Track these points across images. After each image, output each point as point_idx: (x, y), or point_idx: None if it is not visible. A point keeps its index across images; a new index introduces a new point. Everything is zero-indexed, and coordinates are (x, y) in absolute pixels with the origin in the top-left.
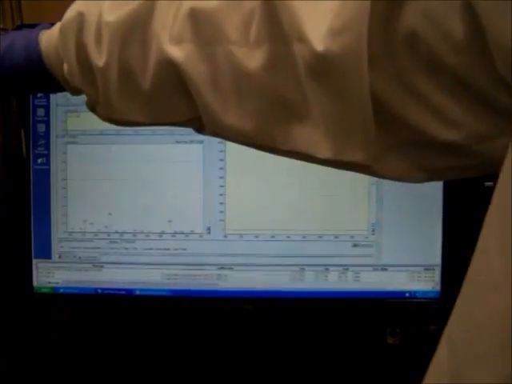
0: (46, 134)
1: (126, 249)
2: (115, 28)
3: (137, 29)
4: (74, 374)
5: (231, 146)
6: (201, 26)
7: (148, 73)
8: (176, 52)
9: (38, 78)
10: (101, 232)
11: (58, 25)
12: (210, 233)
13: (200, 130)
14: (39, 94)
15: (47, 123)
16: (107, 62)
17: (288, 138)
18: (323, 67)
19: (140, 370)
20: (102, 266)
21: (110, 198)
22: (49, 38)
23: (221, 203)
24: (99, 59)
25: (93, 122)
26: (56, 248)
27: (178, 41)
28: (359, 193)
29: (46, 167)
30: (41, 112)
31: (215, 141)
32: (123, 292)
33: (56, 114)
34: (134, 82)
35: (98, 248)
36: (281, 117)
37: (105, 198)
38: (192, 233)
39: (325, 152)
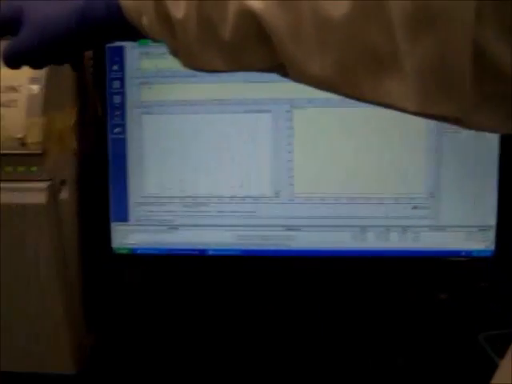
0: (122, 105)
1: (199, 212)
2: None
3: None
4: (150, 329)
5: (299, 114)
6: None
7: (228, 23)
8: (256, 3)
9: (119, 30)
10: (175, 196)
11: None
12: (278, 196)
13: (284, 76)
14: (114, 67)
15: (122, 95)
16: (186, 13)
17: (375, 90)
18: (423, 16)
19: (210, 327)
20: (176, 229)
21: (183, 164)
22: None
23: (289, 168)
24: (178, 11)
25: (165, 93)
26: (133, 212)
27: None
28: (419, 158)
29: (122, 136)
30: (116, 84)
31: (283, 109)
32: (196, 252)
33: (130, 85)
34: (214, 32)
35: (173, 211)
36: (368, 68)
37: (178, 164)
38: (262, 196)
39: (414, 105)
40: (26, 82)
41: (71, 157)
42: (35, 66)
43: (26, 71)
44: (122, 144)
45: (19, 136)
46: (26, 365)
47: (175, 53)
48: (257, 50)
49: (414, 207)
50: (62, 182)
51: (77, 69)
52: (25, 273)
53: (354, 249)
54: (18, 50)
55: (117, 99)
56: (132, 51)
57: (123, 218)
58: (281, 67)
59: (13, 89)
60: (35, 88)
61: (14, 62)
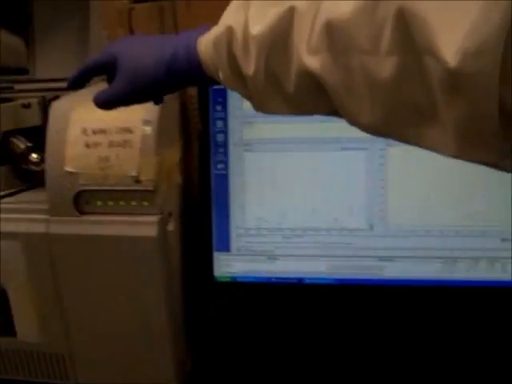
0: (224, 143)
1: (297, 243)
2: (260, 41)
3: (279, 41)
4: (247, 352)
5: (393, 151)
6: (335, 36)
7: (291, 79)
8: (313, 62)
9: (200, 79)
10: (274, 228)
11: (211, 37)
12: (372, 229)
13: (342, 118)
14: (218, 108)
15: (225, 133)
16: (256, 70)
17: (418, 137)
18: (454, 82)
19: (304, 351)
20: (275, 258)
21: (282, 198)
22: (205, 50)
23: (382, 203)
24: (249, 68)
25: (266, 131)
26: (234, 242)
27: (314, 51)
28: (507, 191)
29: (224, 172)
30: (220, 123)
31: (378, 147)
32: (294, 281)
33: (233, 124)
34: (279, 86)
35: (272, 242)
36: (411, 120)
37: (278, 198)
38: (357, 229)
39: (453, 152)
40: (140, 123)
41: (177, 191)
42: (123, 105)
43: (138, 113)
44: (224, 179)
45: (134, 174)
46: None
47: (248, 99)
48: (317, 100)
49: (503, 239)
50: (169, 215)
51: (158, 103)
52: (133, 299)
53: (443, 279)
54: (111, 97)
55: (220, 137)
56: (234, 92)
57: (225, 248)
58: (338, 113)
59: (127, 130)
60: (148, 129)
61: (105, 107)
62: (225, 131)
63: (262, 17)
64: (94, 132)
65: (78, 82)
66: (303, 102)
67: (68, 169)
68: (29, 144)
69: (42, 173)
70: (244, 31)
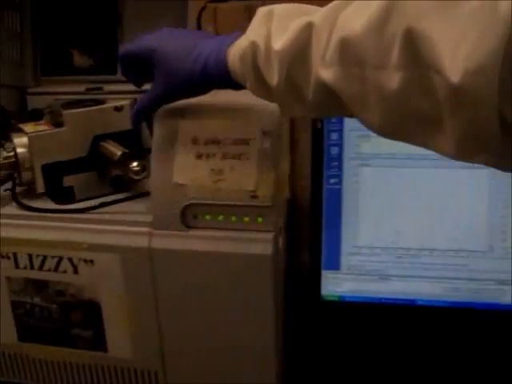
0: (339, 157)
1: (411, 263)
2: (282, 55)
3: (299, 55)
4: (355, 375)
5: None
6: (347, 51)
7: (310, 88)
8: (327, 75)
9: (230, 85)
10: (388, 247)
11: (237, 50)
12: (492, 251)
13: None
14: (333, 120)
15: (340, 146)
16: (278, 81)
17: (425, 141)
18: (457, 97)
19: (411, 374)
20: (387, 279)
21: (398, 216)
22: (233, 60)
23: (503, 224)
24: (272, 79)
25: (383, 146)
26: (345, 261)
27: (328, 65)
28: None
29: (338, 187)
30: (334, 136)
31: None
32: (406, 302)
33: (349, 138)
34: (300, 95)
35: (385, 262)
36: (418, 125)
37: (393, 215)
38: (475, 250)
39: (457, 155)
40: (258, 135)
41: (285, 206)
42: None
43: (256, 124)
44: (337, 194)
45: (251, 189)
46: None
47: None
48: (334, 107)
49: None
50: (280, 231)
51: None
52: (238, 317)
53: None
54: (148, 102)
55: (334, 150)
56: None
57: (335, 266)
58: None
59: (244, 141)
60: (267, 141)
61: (145, 113)
62: (340, 144)
63: (282, 32)
64: (206, 142)
65: (126, 75)
66: (322, 108)
67: (177, 180)
68: (126, 150)
69: (135, 181)
70: (266, 45)
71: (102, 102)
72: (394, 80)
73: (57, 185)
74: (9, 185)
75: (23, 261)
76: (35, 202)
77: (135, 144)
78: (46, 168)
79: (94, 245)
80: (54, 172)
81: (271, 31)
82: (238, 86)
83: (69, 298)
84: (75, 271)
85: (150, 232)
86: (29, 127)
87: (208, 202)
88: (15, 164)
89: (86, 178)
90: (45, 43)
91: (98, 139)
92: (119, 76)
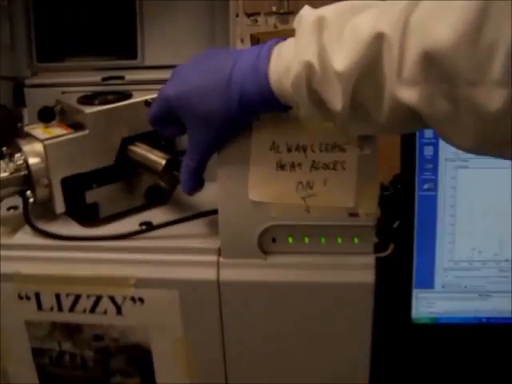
0: (434, 158)
1: None
2: (346, 76)
3: (368, 73)
4: None
5: None
6: (433, 66)
7: (382, 111)
8: (408, 95)
9: (279, 109)
10: (490, 260)
11: (283, 71)
12: None
13: None
14: None
15: (435, 145)
16: (344, 105)
17: (501, 154)
18: None
19: None
20: (488, 295)
21: (502, 224)
22: (278, 85)
23: None
24: (336, 104)
25: None
26: (440, 278)
27: (410, 83)
28: None
29: (432, 193)
30: (428, 134)
31: None
32: (510, 321)
33: None
34: (369, 117)
35: (486, 277)
36: (503, 144)
37: (496, 224)
38: None
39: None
40: (356, 139)
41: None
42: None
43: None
44: (431, 202)
45: (350, 205)
46: None
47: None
48: (412, 126)
49: None
50: None
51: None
52: (325, 350)
53: None
54: (196, 163)
55: (428, 150)
56: None
57: (428, 284)
58: None
59: (338, 147)
60: (367, 147)
61: (196, 176)
62: (434, 143)
63: (341, 45)
64: (290, 149)
65: (161, 135)
66: (396, 128)
67: (253, 198)
68: (170, 157)
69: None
70: (324, 65)
71: (126, 94)
72: (493, 98)
73: (78, 202)
74: (10, 201)
75: (48, 301)
76: (53, 225)
77: (168, 145)
78: (65, 182)
79: (144, 280)
80: (76, 186)
81: (326, 46)
82: (288, 107)
83: (109, 343)
84: (118, 312)
85: (217, 261)
86: (39, 131)
87: (293, 224)
88: (27, 178)
89: (111, 191)
90: (40, 19)
91: (127, 142)
92: (140, 60)
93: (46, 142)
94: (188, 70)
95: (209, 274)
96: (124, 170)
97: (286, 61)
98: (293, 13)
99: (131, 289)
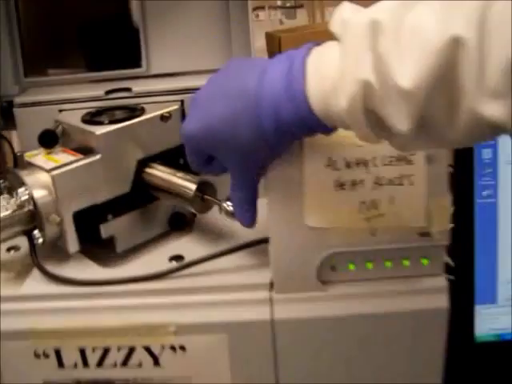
0: (493, 161)
1: None
2: (414, 95)
3: (440, 88)
4: None
5: None
6: None
7: (458, 128)
8: (494, 109)
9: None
10: None
11: (344, 101)
12: None
13: None
14: None
15: (494, 148)
16: (410, 125)
17: None
18: None
19: None
20: None
21: None
22: (325, 112)
23: None
24: (401, 125)
25: None
26: (503, 290)
27: (495, 95)
28: None
29: (492, 200)
30: None
31: None
32: None
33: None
34: (439, 135)
35: None
36: None
37: None
38: None
39: None
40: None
41: None
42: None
43: None
44: (492, 210)
45: (421, 224)
46: None
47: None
48: (489, 139)
49: None
50: None
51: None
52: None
53: None
54: (244, 187)
55: (486, 153)
56: None
57: (490, 298)
58: None
59: (404, 160)
60: (437, 158)
61: (250, 206)
62: (493, 145)
63: (406, 57)
64: (349, 164)
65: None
66: (467, 143)
67: (310, 223)
68: (201, 180)
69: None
70: (384, 82)
71: (137, 109)
72: None
73: (93, 237)
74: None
75: (71, 357)
76: (65, 267)
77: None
78: (78, 217)
79: (186, 326)
80: (90, 220)
81: (384, 57)
82: (330, 129)
83: None
84: (156, 363)
85: (269, 298)
86: (41, 159)
87: (357, 250)
88: (33, 216)
89: (128, 222)
90: (26, 27)
91: (143, 165)
92: (145, 69)
93: (53, 173)
94: (207, 97)
95: (261, 312)
96: (141, 196)
97: (330, 79)
98: (301, 6)
99: (171, 337)
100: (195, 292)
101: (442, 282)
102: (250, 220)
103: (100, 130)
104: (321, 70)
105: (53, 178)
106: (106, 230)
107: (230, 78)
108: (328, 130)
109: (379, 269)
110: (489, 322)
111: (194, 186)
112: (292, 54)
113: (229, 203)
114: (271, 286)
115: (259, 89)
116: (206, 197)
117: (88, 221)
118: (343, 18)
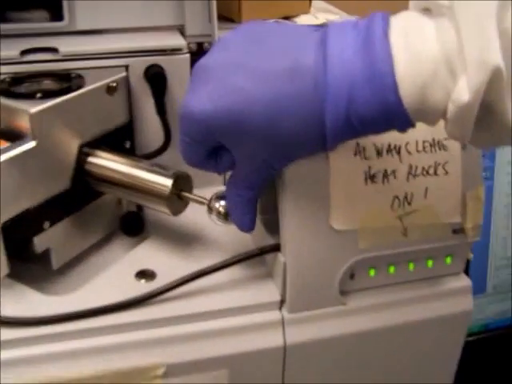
0: None
1: None
2: None
3: None
4: None
5: None
6: None
7: None
8: None
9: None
10: None
11: (432, 84)
12: None
13: None
14: None
15: None
16: None
17: None
18: None
19: None
20: None
21: None
22: (421, 104)
23: None
24: None
25: None
26: (491, 278)
27: None
28: None
29: (489, 182)
30: None
31: None
32: None
33: None
34: None
35: None
36: None
37: None
38: None
39: None
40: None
41: None
42: None
43: None
44: (488, 191)
45: (456, 220)
46: None
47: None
48: None
49: None
50: None
51: None
52: None
53: None
54: (255, 184)
55: None
56: None
57: (479, 288)
58: None
59: (440, 145)
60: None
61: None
62: None
63: None
64: (379, 151)
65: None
66: None
67: (338, 226)
68: (178, 173)
69: None
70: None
71: (73, 77)
72: None
73: (24, 254)
74: None
75: None
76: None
77: (133, 149)
78: (7, 229)
79: (177, 365)
80: (21, 232)
81: None
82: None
83: None
84: None
85: (281, 319)
86: None
87: (386, 253)
88: None
89: (66, 228)
90: None
91: (85, 151)
92: (67, 22)
93: None
94: (228, 69)
95: (272, 338)
96: (83, 193)
97: (430, 62)
98: None
99: (159, 380)
100: (184, 320)
101: (464, 280)
102: (249, 224)
103: (34, 108)
104: (413, 49)
105: None
106: (39, 243)
107: (264, 46)
108: (407, 126)
109: (402, 273)
110: (476, 312)
111: (169, 182)
112: (362, 24)
113: (221, 203)
114: (281, 304)
115: (319, 66)
116: (184, 194)
117: (19, 233)
118: None
